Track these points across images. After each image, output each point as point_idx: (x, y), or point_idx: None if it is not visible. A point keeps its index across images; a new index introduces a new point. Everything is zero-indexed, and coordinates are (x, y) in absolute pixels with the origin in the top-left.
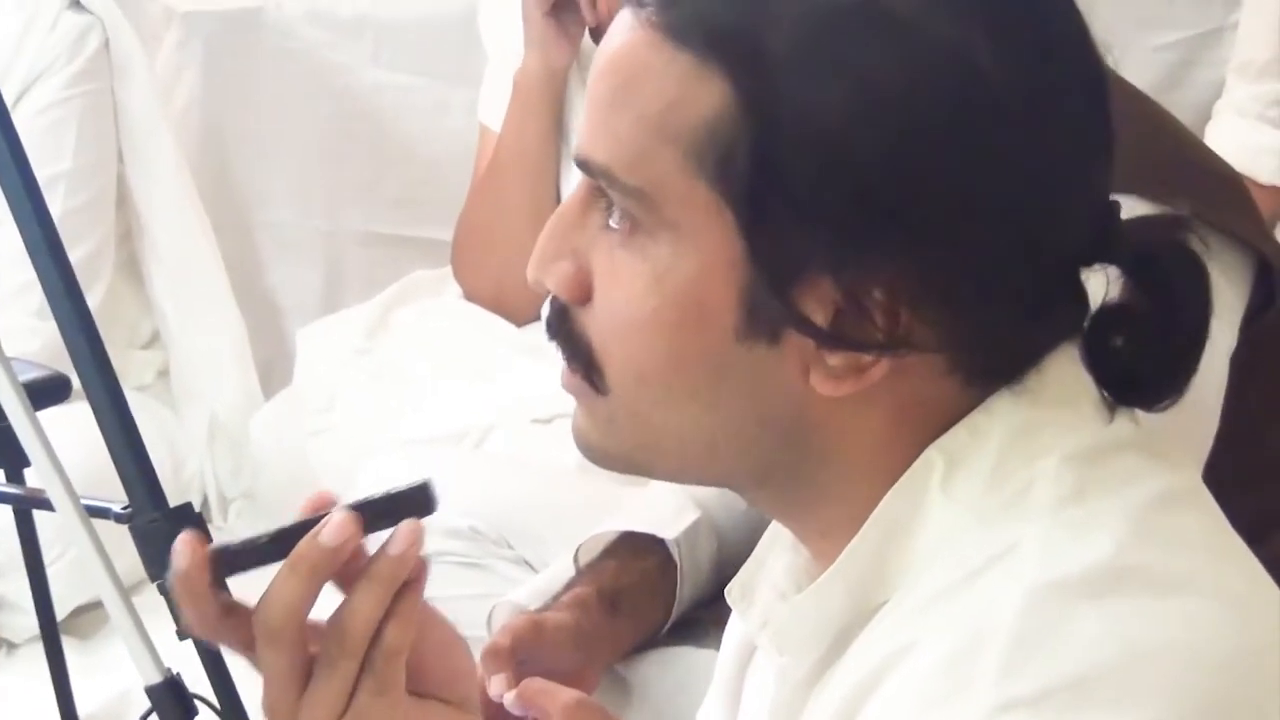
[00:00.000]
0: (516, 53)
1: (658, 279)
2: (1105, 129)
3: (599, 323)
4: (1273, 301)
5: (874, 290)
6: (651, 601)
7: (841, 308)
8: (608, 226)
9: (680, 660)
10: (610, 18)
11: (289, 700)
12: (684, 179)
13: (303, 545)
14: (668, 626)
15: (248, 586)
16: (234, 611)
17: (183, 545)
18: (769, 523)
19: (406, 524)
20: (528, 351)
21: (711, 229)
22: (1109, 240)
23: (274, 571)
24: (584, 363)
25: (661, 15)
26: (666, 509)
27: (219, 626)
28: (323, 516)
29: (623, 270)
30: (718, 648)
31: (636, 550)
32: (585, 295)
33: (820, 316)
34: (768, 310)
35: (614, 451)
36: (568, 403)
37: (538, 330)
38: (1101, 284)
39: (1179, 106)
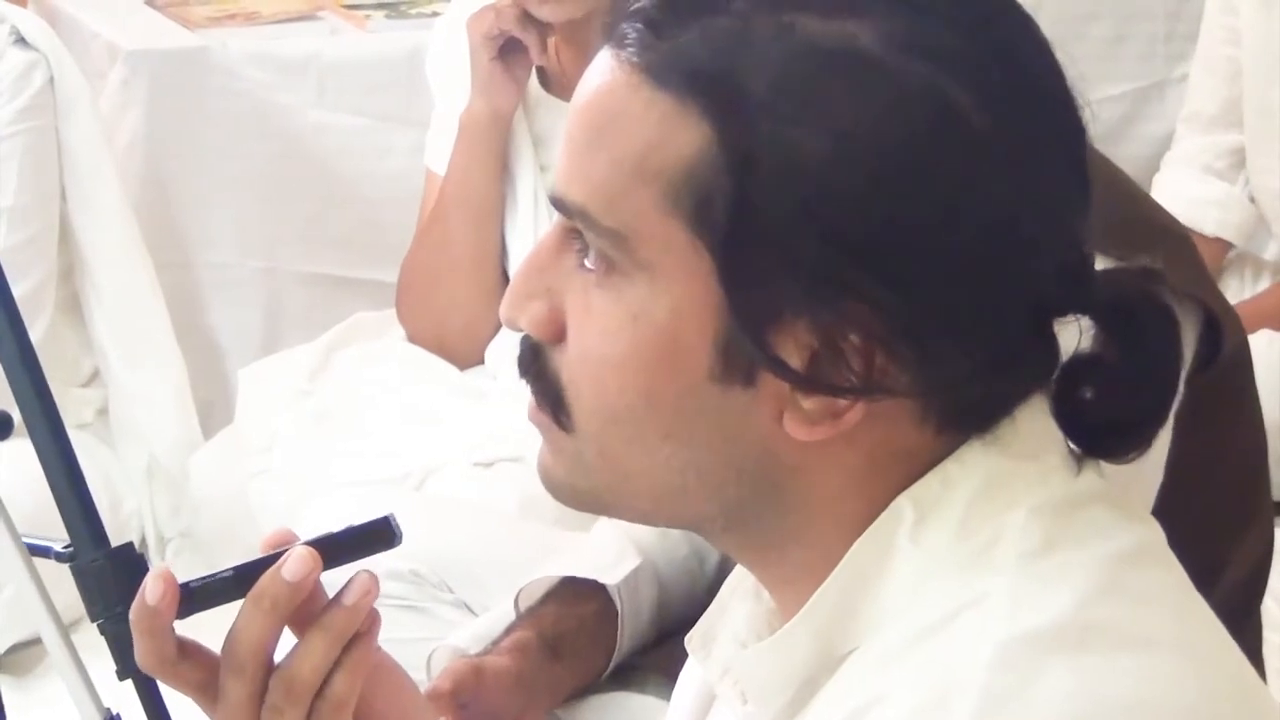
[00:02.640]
0: (464, 98)
1: (633, 319)
2: (1082, 179)
3: (571, 362)
4: (1218, 355)
5: (850, 333)
6: (592, 647)
7: (817, 351)
8: (582, 266)
9: (620, 706)
10: (559, 62)
11: None
12: (660, 220)
13: (264, 580)
14: (608, 672)
15: (197, 625)
16: (188, 652)
17: (156, 581)
18: (710, 571)
19: (362, 575)
20: (470, 395)
21: (687, 270)
22: (1083, 291)
23: (232, 609)
24: (553, 401)
25: (642, 56)
26: (608, 554)
27: (175, 665)
28: (283, 552)
29: (597, 310)
30: (658, 694)
31: (577, 595)
32: (558, 334)
33: (796, 359)
34: (743, 352)
35: (581, 489)
36: (509, 447)
37: (480, 374)
38: (1073, 336)
39: (1123, 160)
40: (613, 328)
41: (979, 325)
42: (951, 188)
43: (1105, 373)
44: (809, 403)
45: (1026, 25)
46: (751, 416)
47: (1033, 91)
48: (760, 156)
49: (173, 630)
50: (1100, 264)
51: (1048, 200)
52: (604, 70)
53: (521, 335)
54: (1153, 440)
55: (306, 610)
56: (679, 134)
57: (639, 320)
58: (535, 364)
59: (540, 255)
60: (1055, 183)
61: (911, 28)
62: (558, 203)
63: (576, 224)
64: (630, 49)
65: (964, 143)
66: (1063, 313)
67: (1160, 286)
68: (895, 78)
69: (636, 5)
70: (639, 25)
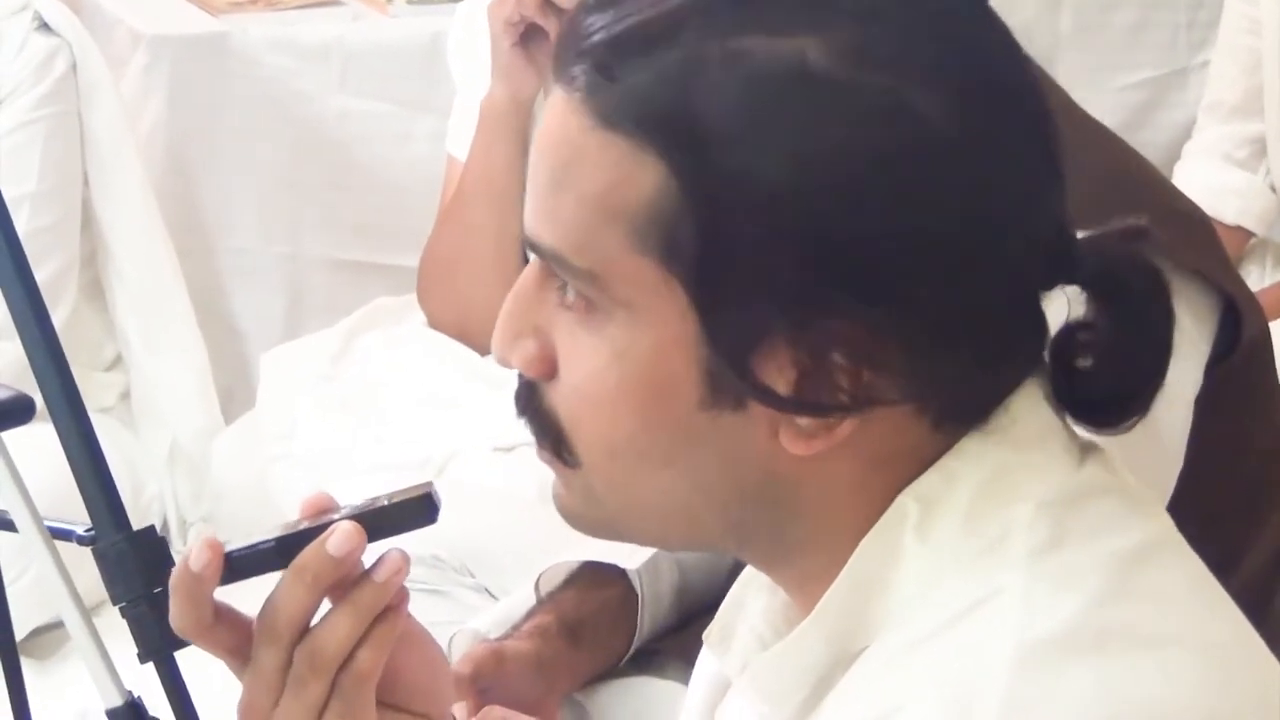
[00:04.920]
0: (485, 84)
1: (617, 356)
2: (1052, 160)
3: (565, 399)
4: (1238, 342)
5: (833, 352)
6: (612, 631)
7: (803, 371)
8: (564, 303)
9: (640, 690)
10: None
11: (266, 705)
12: (631, 258)
13: (307, 554)
14: (628, 656)
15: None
16: (223, 616)
17: (202, 549)
18: (730, 557)
19: (393, 553)
20: (491, 380)
21: (664, 306)
22: (1066, 262)
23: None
24: (553, 438)
25: (592, 99)
26: None
27: (210, 630)
28: (324, 522)
29: (583, 348)
30: (678, 678)
31: (598, 580)
32: (550, 371)
33: (782, 384)
34: (730, 380)
35: (594, 518)
36: (530, 432)
37: None
38: (1061, 309)
39: (1145, 147)
40: (599, 365)
41: (964, 324)
42: (919, 194)
43: (1098, 337)
44: (802, 420)
45: (976, 14)
46: (747, 438)
47: (993, 82)
48: (721, 189)
49: (212, 597)
50: None
51: (1020, 189)
52: (558, 113)
53: (517, 373)
54: (1151, 403)
55: (341, 579)
56: (637, 175)
57: (624, 357)
58: (531, 402)
59: (523, 293)
60: (1026, 170)
61: (861, 38)
62: (531, 244)
63: (552, 266)
64: (580, 92)
65: (927, 147)
66: (1049, 287)
67: (1143, 243)
68: (848, 92)
69: (584, 45)
70: (587, 67)
